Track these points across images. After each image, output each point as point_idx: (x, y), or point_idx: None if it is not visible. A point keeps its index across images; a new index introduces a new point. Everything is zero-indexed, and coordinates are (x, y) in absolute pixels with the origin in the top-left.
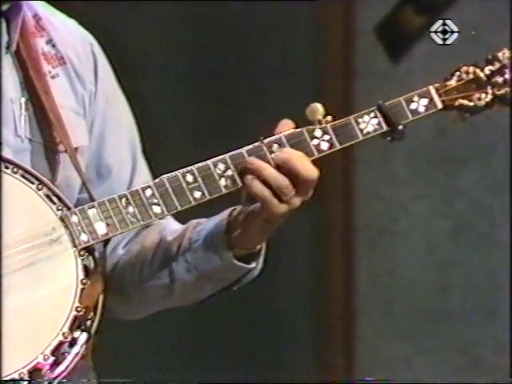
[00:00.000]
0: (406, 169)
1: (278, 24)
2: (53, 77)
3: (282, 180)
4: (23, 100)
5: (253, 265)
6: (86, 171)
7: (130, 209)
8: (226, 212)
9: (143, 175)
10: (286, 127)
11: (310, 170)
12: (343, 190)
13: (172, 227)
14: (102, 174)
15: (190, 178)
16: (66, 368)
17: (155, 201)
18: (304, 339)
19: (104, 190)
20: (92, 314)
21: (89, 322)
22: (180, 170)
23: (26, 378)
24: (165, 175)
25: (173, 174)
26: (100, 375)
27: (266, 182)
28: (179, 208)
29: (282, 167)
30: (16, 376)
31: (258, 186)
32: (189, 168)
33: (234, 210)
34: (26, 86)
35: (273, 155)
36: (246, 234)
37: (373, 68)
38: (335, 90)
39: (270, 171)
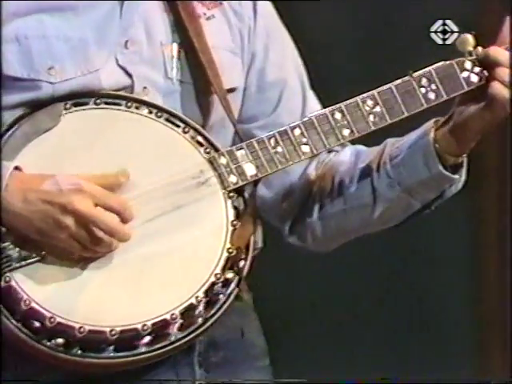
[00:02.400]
0: None
1: None
2: (208, 18)
3: None
4: (174, 43)
5: (457, 176)
6: (249, 107)
7: (279, 149)
8: (430, 123)
9: (314, 105)
10: None
11: None
12: (498, 171)
13: (363, 147)
14: (267, 106)
15: (338, 115)
16: (219, 309)
17: (304, 140)
18: (459, 294)
19: (273, 120)
20: (244, 254)
21: (241, 263)
22: (328, 108)
23: (178, 319)
24: (313, 113)
25: (321, 111)
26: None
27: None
28: (328, 147)
29: None
30: (168, 317)
31: (499, 87)
32: (337, 105)
33: (438, 120)
34: (177, 29)
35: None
36: (459, 140)
37: None
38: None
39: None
